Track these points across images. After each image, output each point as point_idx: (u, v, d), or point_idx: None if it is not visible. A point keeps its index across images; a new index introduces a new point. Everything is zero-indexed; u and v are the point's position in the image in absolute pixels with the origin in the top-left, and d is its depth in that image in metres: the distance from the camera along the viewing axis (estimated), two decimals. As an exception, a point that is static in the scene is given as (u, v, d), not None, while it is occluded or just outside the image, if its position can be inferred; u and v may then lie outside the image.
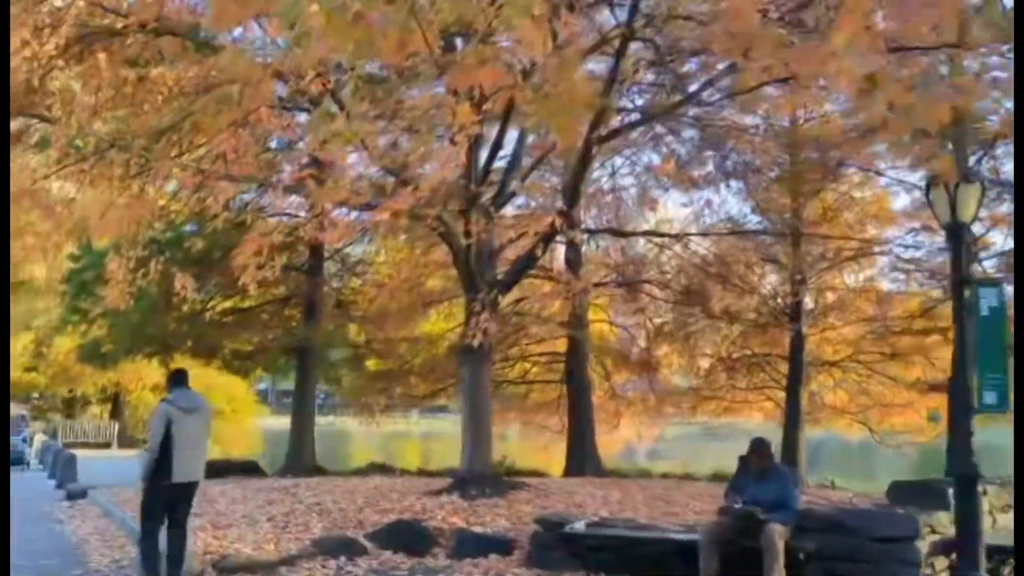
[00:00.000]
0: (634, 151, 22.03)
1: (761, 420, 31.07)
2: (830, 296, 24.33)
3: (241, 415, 35.25)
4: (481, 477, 10.80)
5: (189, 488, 7.39)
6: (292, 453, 18.79)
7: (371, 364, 21.97)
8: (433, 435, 55.27)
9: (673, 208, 31.17)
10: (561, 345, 24.79)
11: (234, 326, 19.03)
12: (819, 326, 23.36)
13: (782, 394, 24.57)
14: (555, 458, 26.84)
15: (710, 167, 22.74)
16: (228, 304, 19.66)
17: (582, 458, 21.70)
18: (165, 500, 7.26)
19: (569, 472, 21.69)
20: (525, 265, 11.75)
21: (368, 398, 22.72)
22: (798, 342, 22.42)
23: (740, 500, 6.94)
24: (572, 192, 9.84)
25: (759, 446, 7.37)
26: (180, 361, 20.52)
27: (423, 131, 10.35)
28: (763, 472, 7.09)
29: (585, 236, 19.52)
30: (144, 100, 9.01)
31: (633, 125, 10.56)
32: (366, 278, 21.58)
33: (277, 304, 19.72)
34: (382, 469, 18.59)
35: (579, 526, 8.05)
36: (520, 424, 26.74)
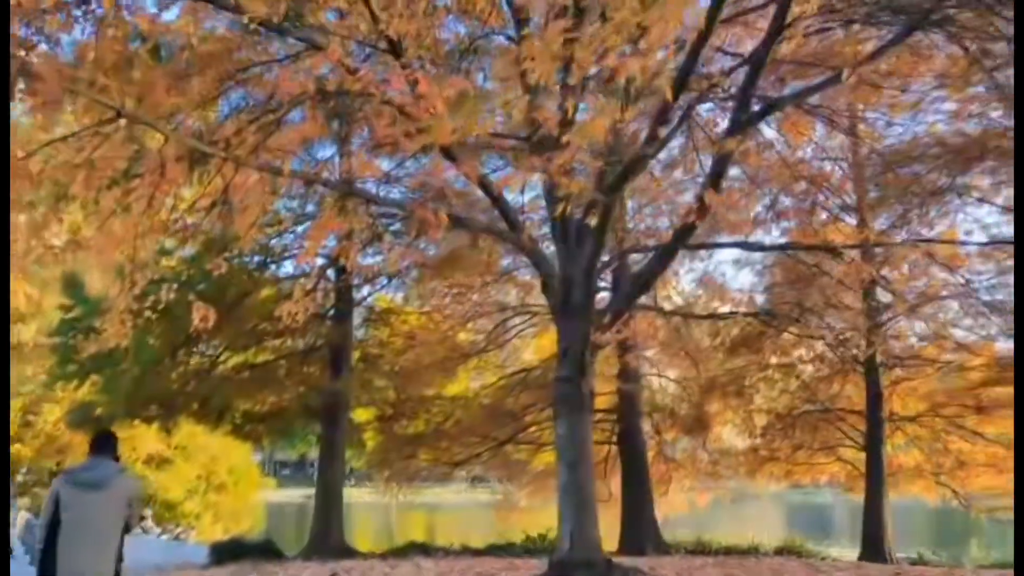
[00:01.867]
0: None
1: (815, 484, 28.60)
2: (898, 345, 22.00)
3: (243, 487, 32.40)
4: (588, 562, 8.37)
5: None
6: (318, 530, 16.14)
7: (399, 427, 19.50)
8: (437, 507, 52.04)
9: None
10: (603, 401, 22.44)
11: (247, 383, 16.55)
12: (889, 378, 21.02)
13: (852, 454, 22.20)
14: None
15: (758, 208, 20.59)
16: (240, 359, 17.26)
17: (640, 530, 19.11)
18: None
19: (625, 546, 19.11)
20: (644, 283, 9.44)
21: (396, 466, 20.16)
22: (875, 395, 20.13)
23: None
24: (714, 181, 7.61)
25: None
26: (184, 425, 18.11)
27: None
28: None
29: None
30: (159, 70, 6.84)
31: (788, 99, 8.31)
32: (396, 328, 19.20)
33: (297, 358, 17.32)
34: (423, 549, 15.95)
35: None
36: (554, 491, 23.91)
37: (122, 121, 6.36)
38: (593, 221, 8.33)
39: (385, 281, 18.91)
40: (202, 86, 7.70)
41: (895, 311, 20.83)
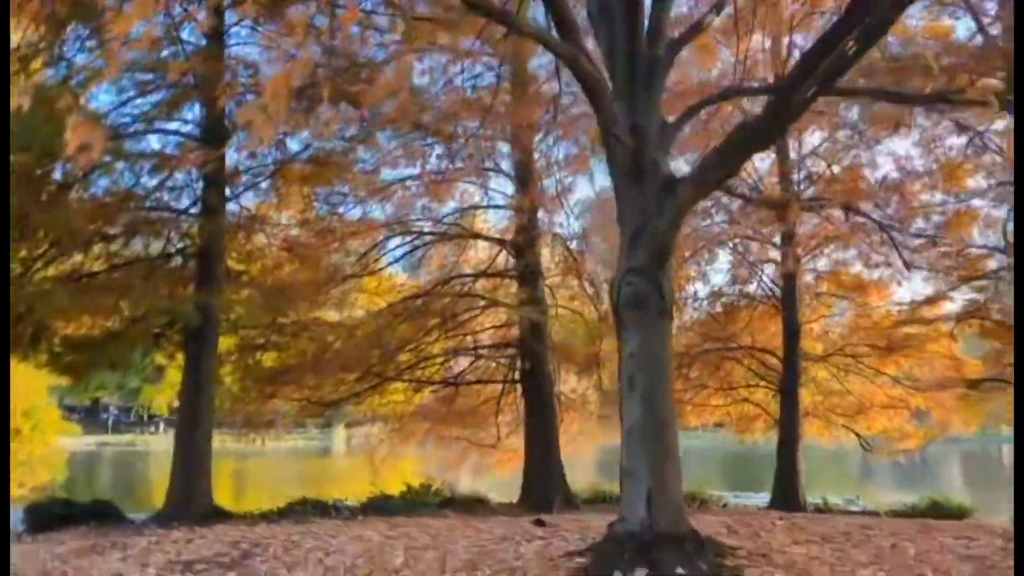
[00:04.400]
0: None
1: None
2: (806, 280, 20.91)
3: (44, 433, 27.27)
4: (675, 537, 5.78)
5: None
6: (179, 488, 12.43)
7: (268, 358, 16.03)
8: (249, 455, 47.86)
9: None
10: (498, 335, 19.89)
11: (74, 298, 12.41)
12: (804, 315, 19.82)
13: (748, 394, 21.01)
14: (476, 478, 21.72)
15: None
16: (65, 266, 13.10)
17: (547, 480, 16.80)
18: None
19: (528, 498, 16.80)
20: (769, 132, 6.57)
21: (255, 406, 16.72)
22: (792, 332, 18.83)
23: None
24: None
25: None
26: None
27: None
28: None
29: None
30: None
31: None
32: (267, 238, 15.50)
33: (143, 266, 13.34)
34: (319, 507, 12.68)
35: None
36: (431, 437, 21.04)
37: None
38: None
39: (247, 181, 15.26)
40: None
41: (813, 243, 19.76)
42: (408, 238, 18.78)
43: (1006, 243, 17.52)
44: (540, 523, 8.73)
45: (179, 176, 13.82)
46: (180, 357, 14.85)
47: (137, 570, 6.65)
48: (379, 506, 14.69)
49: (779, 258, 19.61)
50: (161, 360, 15.81)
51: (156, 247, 13.90)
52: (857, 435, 20.44)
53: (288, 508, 12.18)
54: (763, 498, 19.59)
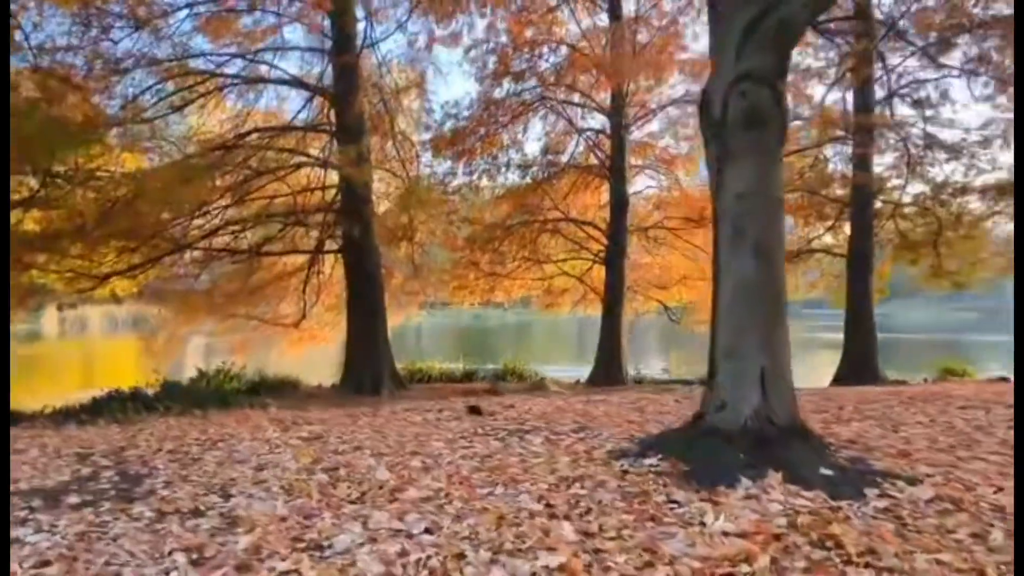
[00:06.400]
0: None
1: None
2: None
3: None
4: (793, 430, 4.32)
5: None
6: None
7: (29, 219, 12.65)
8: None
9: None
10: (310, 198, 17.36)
11: None
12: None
13: (569, 268, 20.38)
14: (266, 358, 19.29)
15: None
16: None
17: (376, 362, 15.03)
18: None
19: (353, 380, 15.02)
20: None
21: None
22: (619, 202, 18.13)
23: None
24: None
25: None
26: None
27: None
28: None
29: None
30: None
31: None
32: (31, 59, 11.81)
33: None
34: (135, 398, 9.94)
35: None
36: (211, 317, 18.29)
37: None
38: None
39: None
40: None
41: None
42: (196, 79, 15.59)
43: (821, 115, 17.81)
44: (476, 411, 7.18)
45: None
46: None
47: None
48: (181, 395, 12.24)
49: (604, 127, 18.75)
50: None
51: None
52: (665, 307, 20.62)
53: (97, 404, 9.53)
54: (571, 371, 19.34)
